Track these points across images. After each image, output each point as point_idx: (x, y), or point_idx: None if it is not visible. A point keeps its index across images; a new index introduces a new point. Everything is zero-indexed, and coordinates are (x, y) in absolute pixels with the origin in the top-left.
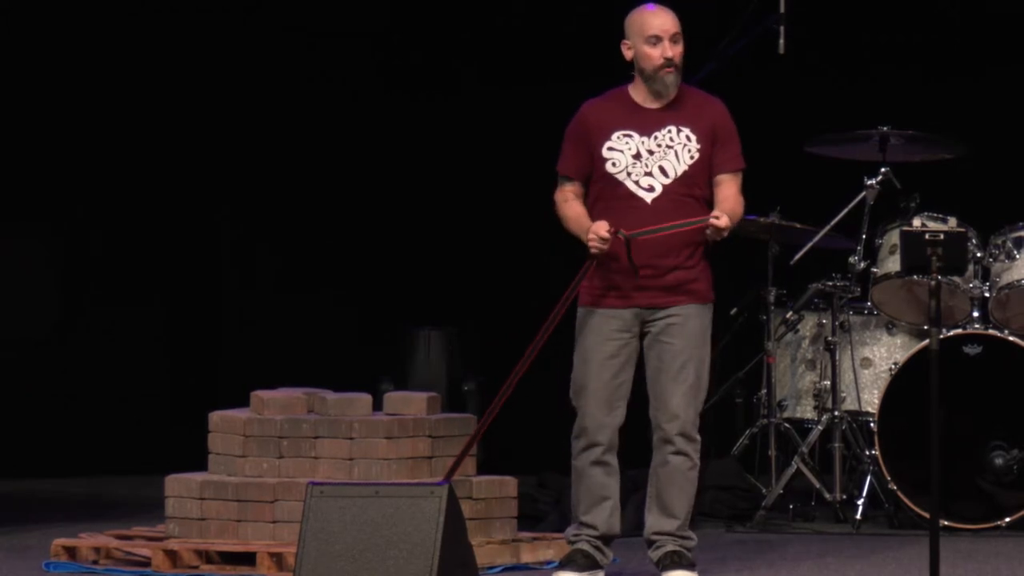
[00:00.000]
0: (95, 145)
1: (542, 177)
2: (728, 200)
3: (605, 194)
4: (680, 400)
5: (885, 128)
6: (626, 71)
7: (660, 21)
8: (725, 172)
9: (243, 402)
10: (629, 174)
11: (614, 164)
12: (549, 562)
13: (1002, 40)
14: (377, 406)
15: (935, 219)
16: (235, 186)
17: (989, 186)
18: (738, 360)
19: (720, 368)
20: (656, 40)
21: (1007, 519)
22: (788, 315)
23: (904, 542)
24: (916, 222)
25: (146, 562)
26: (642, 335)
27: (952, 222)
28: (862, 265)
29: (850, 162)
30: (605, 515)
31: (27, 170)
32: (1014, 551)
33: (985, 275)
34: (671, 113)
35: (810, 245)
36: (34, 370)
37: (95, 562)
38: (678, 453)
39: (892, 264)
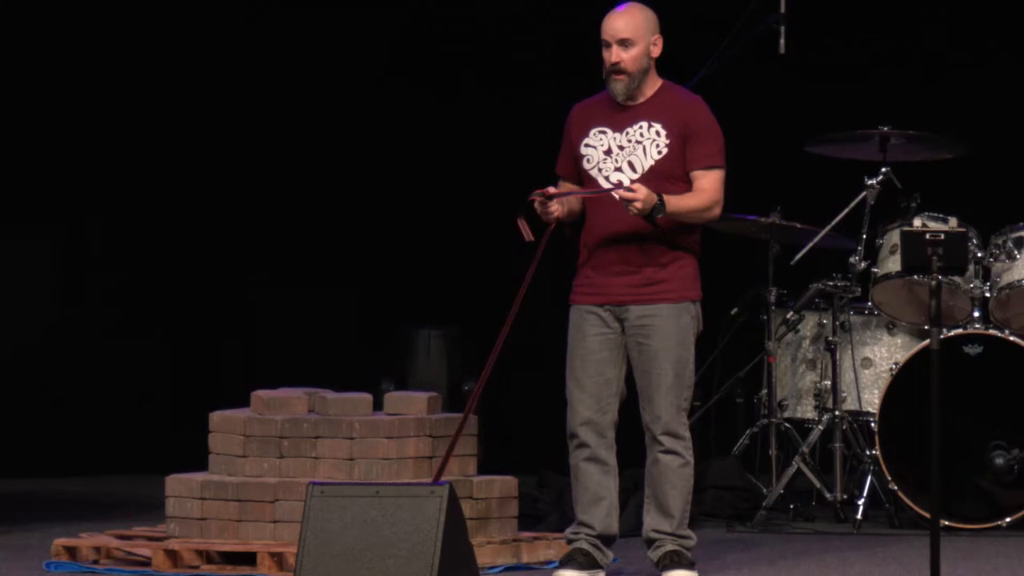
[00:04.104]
0: (95, 145)
1: (542, 177)
2: (696, 192)
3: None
4: (661, 401)
5: (885, 128)
6: None
7: (610, 25)
8: (695, 168)
9: (244, 402)
10: (600, 169)
11: (588, 160)
12: (549, 562)
13: (1002, 40)
14: (377, 406)
15: (935, 219)
16: (235, 186)
17: (989, 186)
18: (739, 360)
19: (720, 368)
20: (606, 45)
21: (1007, 519)
22: (789, 315)
23: (904, 542)
24: (917, 222)
25: (147, 562)
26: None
27: (952, 222)
28: (863, 265)
29: (850, 162)
30: (602, 515)
31: (27, 170)
32: (1014, 551)
33: (986, 275)
34: (645, 110)
35: (811, 245)
36: (33, 370)
37: (96, 562)
38: (667, 452)
39: (893, 264)
